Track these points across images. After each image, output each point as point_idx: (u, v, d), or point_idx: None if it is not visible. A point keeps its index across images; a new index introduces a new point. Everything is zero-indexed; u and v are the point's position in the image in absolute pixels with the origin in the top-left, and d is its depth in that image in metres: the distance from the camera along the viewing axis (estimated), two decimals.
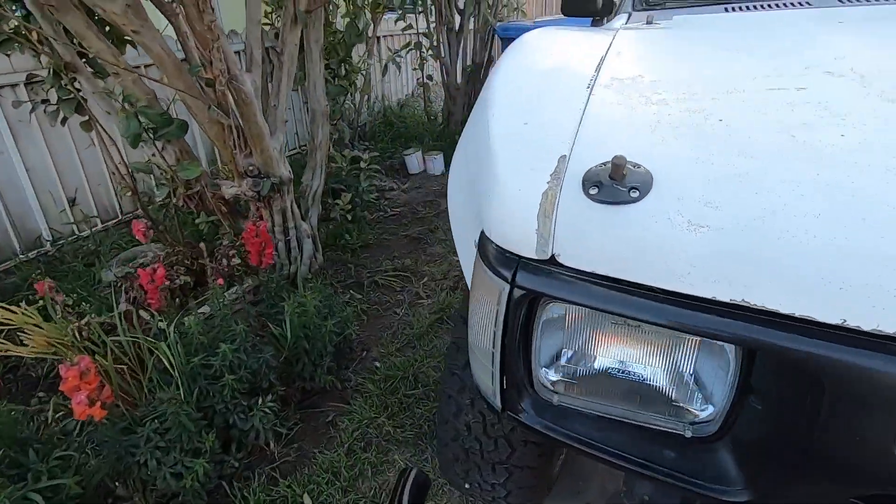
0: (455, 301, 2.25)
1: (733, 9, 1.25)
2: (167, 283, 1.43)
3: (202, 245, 1.70)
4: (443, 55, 4.23)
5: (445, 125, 4.61)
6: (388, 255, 2.76)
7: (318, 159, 2.46)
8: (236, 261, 1.88)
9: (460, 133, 4.08)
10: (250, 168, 2.05)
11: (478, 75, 4.41)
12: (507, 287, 0.55)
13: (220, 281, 1.49)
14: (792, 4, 1.19)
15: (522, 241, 0.55)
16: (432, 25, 4.14)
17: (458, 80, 4.43)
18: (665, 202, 0.51)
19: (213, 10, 1.60)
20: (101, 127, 2.07)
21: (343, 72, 2.45)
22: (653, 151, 0.55)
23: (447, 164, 4.12)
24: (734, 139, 0.56)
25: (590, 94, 0.70)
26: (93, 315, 1.57)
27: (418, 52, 4.21)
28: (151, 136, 1.90)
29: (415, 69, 4.58)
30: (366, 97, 3.07)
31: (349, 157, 2.81)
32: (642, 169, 0.53)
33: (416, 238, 2.96)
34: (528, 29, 3.62)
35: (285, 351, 1.55)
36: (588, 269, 0.53)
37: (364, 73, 2.68)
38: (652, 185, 0.52)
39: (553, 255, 0.55)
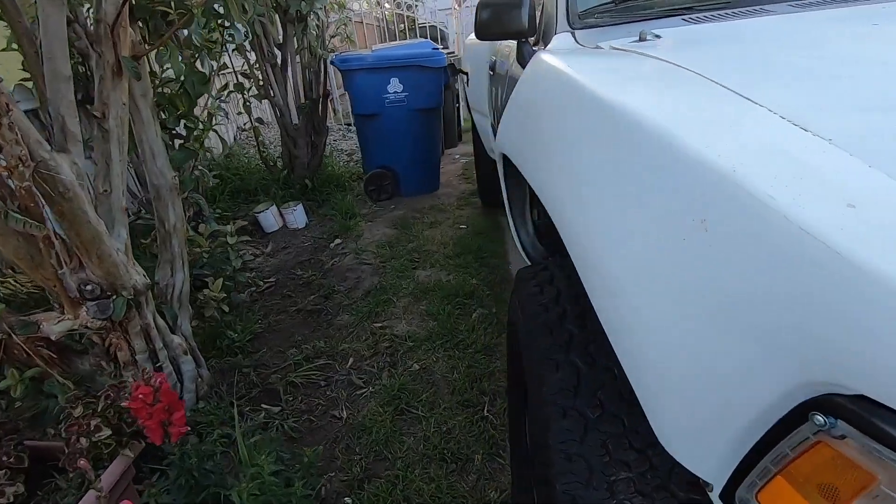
0: (407, 381, 1.88)
1: (693, 20, 1.18)
2: None
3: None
4: (273, 94, 3.73)
5: (289, 171, 4.09)
6: (289, 341, 2.24)
7: (176, 248, 1.84)
8: (104, 433, 1.25)
9: (310, 178, 3.69)
10: (87, 287, 1.40)
11: (317, 111, 4.00)
12: None
13: None
14: (763, 10, 1.16)
15: None
16: (253, 62, 3.62)
17: (296, 119, 3.96)
18: None
19: None
20: None
21: (184, 130, 1.87)
22: None
23: (308, 213, 3.63)
24: None
25: (825, 140, 0.49)
26: None
27: (241, 95, 3.63)
28: None
29: (239, 113, 3.96)
30: (208, 155, 2.46)
31: (207, 233, 2.20)
32: None
33: (312, 311, 2.47)
34: (367, 59, 3.37)
35: None
36: None
37: (215, 127, 2.12)
38: None
39: None
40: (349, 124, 6.50)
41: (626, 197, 0.54)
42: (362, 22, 8.96)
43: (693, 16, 1.20)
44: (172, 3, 1.47)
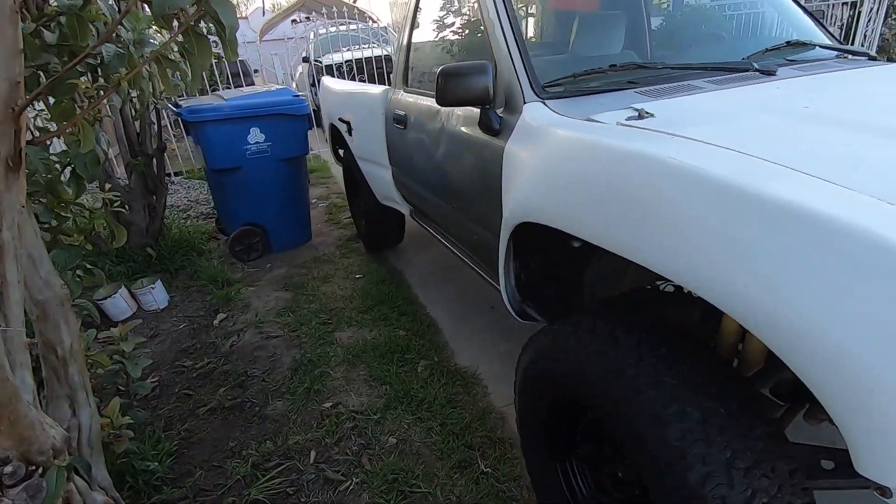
0: (395, 460, 1.74)
1: (648, 93, 1.39)
2: None
3: None
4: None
5: (125, 240, 3.39)
6: (222, 451, 1.87)
7: (76, 377, 1.40)
8: None
9: (153, 245, 3.36)
10: (8, 470, 0.99)
11: (151, 170, 3.40)
12: None
13: None
14: (690, 85, 1.43)
15: None
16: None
17: (128, 179, 3.31)
18: None
19: None
20: None
21: (58, 221, 1.40)
22: None
23: (168, 289, 3.07)
24: None
25: None
26: None
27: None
28: None
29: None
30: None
31: (86, 343, 1.70)
32: None
33: (231, 407, 2.11)
34: (223, 109, 3.05)
35: None
36: None
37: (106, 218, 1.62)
38: None
39: None
40: (169, 174, 5.66)
41: (851, 293, 0.64)
42: None
43: (642, 89, 1.42)
44: (89, 74, 1.13)
